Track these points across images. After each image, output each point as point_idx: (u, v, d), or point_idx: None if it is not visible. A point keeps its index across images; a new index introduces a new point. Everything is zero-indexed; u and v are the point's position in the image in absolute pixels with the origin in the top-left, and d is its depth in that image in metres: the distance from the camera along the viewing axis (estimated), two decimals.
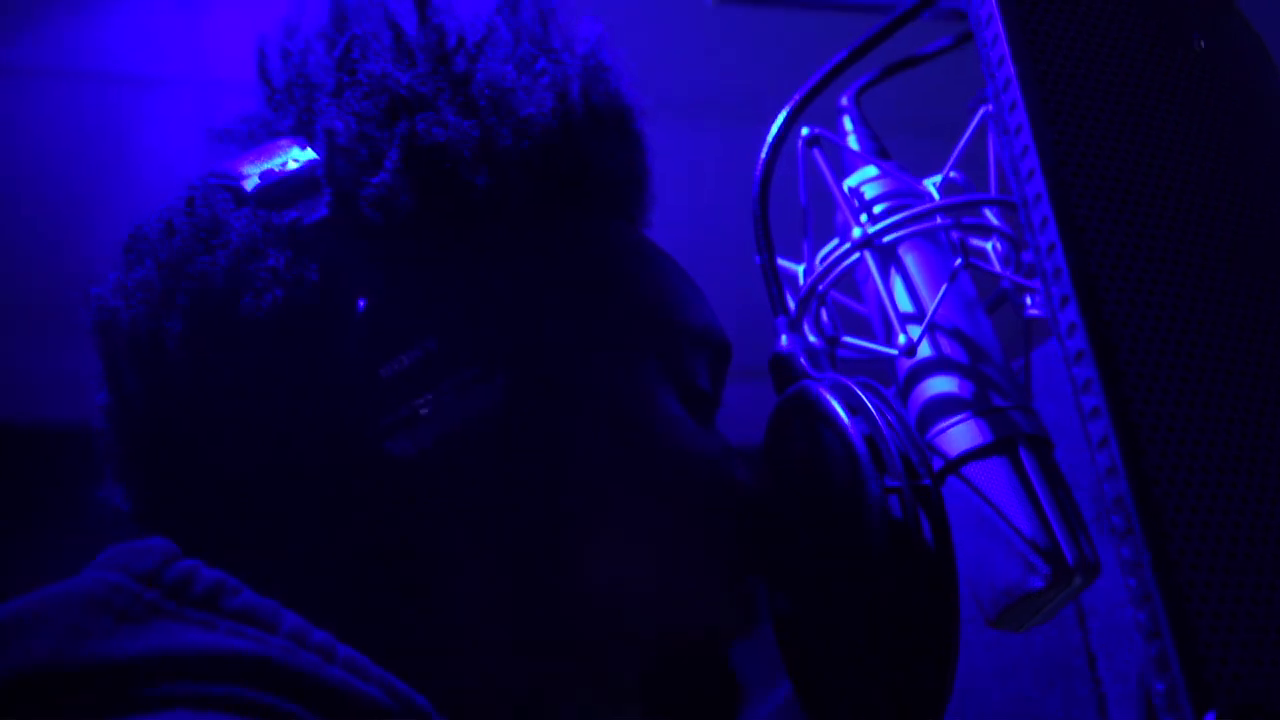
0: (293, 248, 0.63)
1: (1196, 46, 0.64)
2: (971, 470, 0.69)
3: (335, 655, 0.56)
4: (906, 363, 0.72)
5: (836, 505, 0.64)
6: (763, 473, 0.70)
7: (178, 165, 0.72)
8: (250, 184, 0.65)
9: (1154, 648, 0.52)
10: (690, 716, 0.67)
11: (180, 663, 0.53)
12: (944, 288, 0.70)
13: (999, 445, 0.68)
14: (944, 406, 0.70)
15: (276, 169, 0.65)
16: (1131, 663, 0.85)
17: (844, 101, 0.80)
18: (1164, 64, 0.63)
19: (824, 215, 0.78)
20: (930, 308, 0.71)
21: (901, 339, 0.70)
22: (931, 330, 0.71)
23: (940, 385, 0.71)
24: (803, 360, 0.70)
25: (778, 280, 0.73)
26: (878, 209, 0.75)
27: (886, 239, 0.73)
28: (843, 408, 0.65)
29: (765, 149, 0.74)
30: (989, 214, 0.75)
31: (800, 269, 0.77)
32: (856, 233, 0.73)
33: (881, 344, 0.74)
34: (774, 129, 0.74)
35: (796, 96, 0.73)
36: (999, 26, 0.61)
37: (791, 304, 0.75)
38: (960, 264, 0.70)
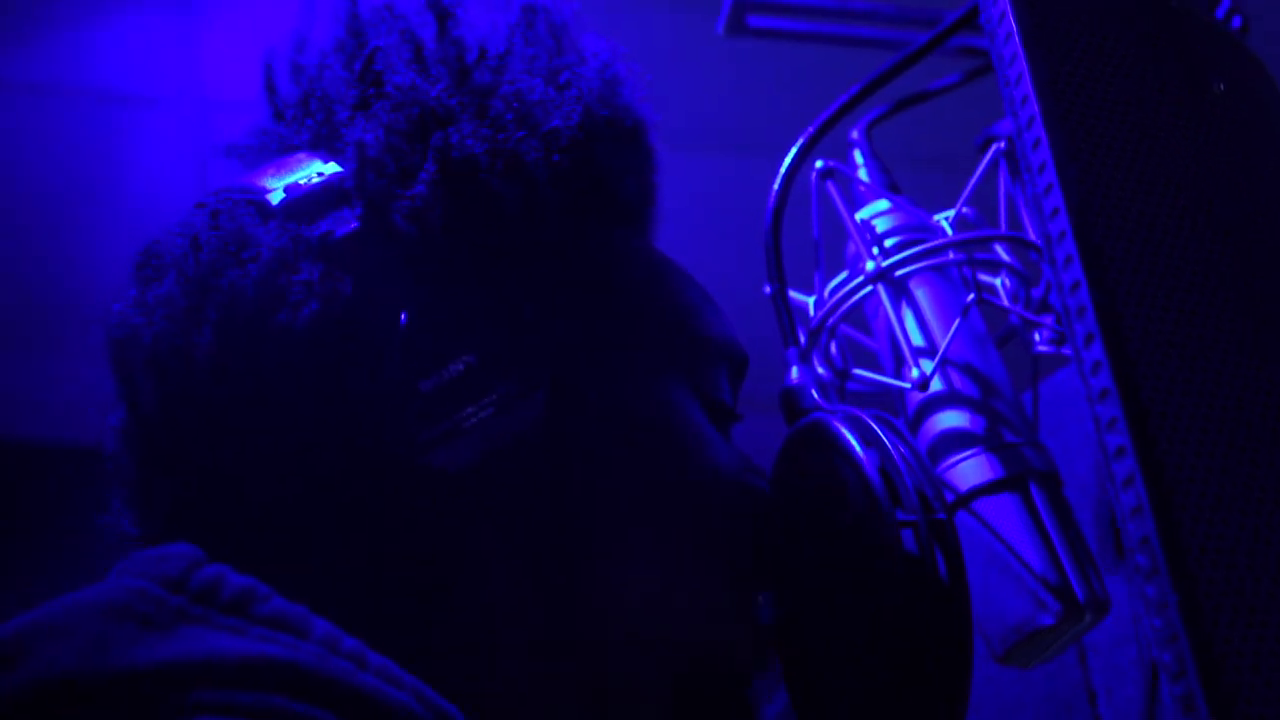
0: (325, 261, 0.62)
1: (1216, 89, 0.64)
2: (982, 505, 0.69)
3: (367, 662, 0.55)
4: (917, 397, 0.72)
5: (850, 538, 0.64)
6: (776, 500, 0.70)
7: (170, 184, 0.71)
8: (275, 197, 0.64)
9: (1180, 687, 0.52)
10: None
11: (209, 669, 0.52)
12: (957, 322, 0.70)
13: (1010, 481, 0.68)
14: (955, 441, 0.70)
15: (301, 182, 0.65)
16: (1133, 700, 0.85)
17: (855, 135, 0.80)
18: (1184, 106, 0.64)
19: (831, 248, 0.78)
20: (943, 342, 0.71)
21: (914, 373, 0.70)
22: (943, 364, 0.71)
23: (951, 420, 0.71)
24: (814, 392, 0.70)
25: (789, 311, 0.73)
26: (889, 242, 0.75)
27: (899, 273, 0.73)
28: (857, 440, 0.65)
29: (778, 180, 0.74)
30: (999, 250, 0.75)
31: (810, 300, 0.77)
32: (869, 266, 0.73)
33: (891, 377, 0.74)
34: (787, 161, 0.74)
35: (810, 129, 0.73)
36: (1023, 65, 0.62)
37: (802, 336, 0.75)
38: (973, 299, 0.70)
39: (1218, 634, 0.52)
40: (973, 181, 0.75)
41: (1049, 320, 0.75)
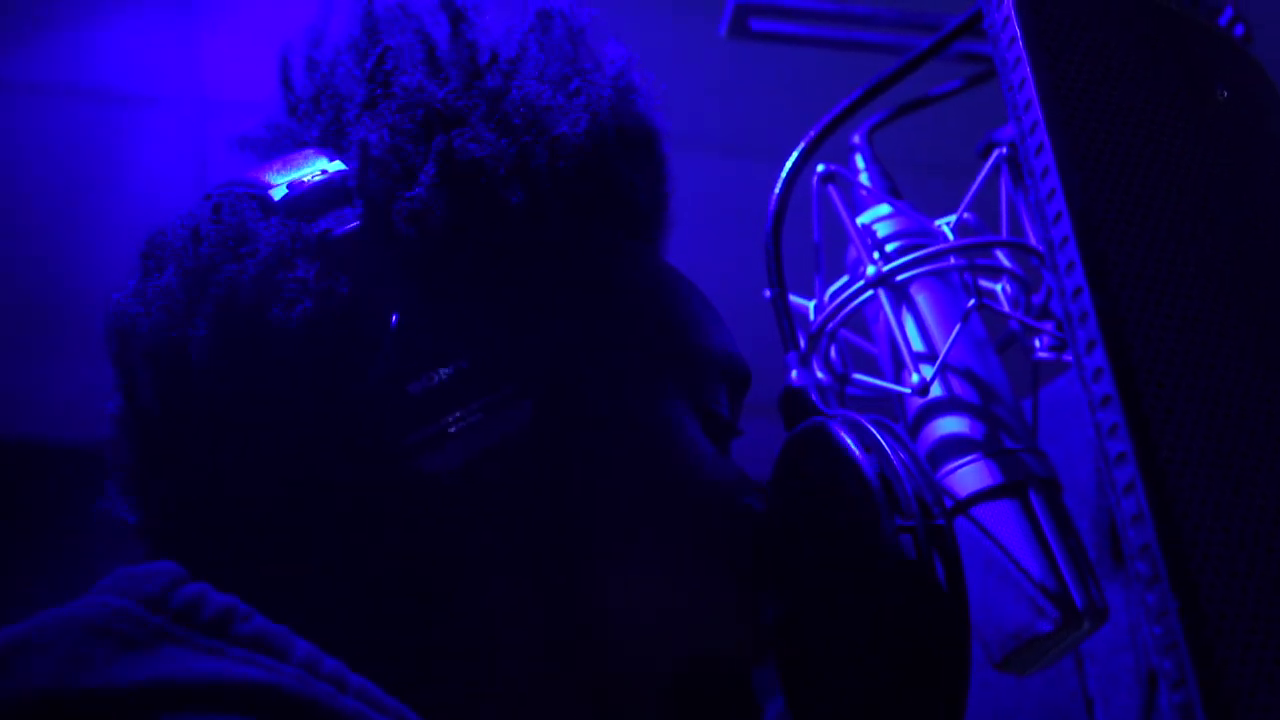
0: (323, 259, 0.61)
1: (1220, 96, 0.64)
2: (981, 511, 0.69)
3: (348, 685, 0.55)
4: (917, 402, 0.71)
5: (849, 542, 0.64)
6: (772, 503, 0.70)
7: (170, 184, 0.71)
8: (278, 193, 0.64)
9: (1179, 695, 0.52)
10: None
11: (186, 691, 0.51)
12: (957, 328, 0.70)
13: (1010, 488, 0.68)
14: (954, 446, 0.70)
15: (305, 179, 0.64)
16: (1129, 708, 0.85)
17: (856, 140, 0.80)
18: (1188, 112, 0.64)
19: (832, 252, 0.77)
20: (943, 347, 0.70)
21: (914, 378, 0.70)
22: (943, 370, 0.71)
23: (951, 425, 0.70)
24: (813, 397, 0.70)
25: (789, 316, 0.72)
26: (890, 247, 0.75)
27: (900, 278, 0.73)
28: (856, 445, 0.64)
29: (779, 184, 0.73)
30: (1000, 256, 0.75)
31: (811, 305, 0.77)
32: (870, 270, 0.73)
33: (891, 383, 0.74)
34: (789, 165, 0.73)
35: (812, 133, 0.73)
36: (1026, 70, 0.61)
37: (802, 340, 0.74)
38: (974, 304, 0.70)
39: (1218, 642, 0.52)
40: (974, 187, 0.74)
41: (1050, 326, 0.75)
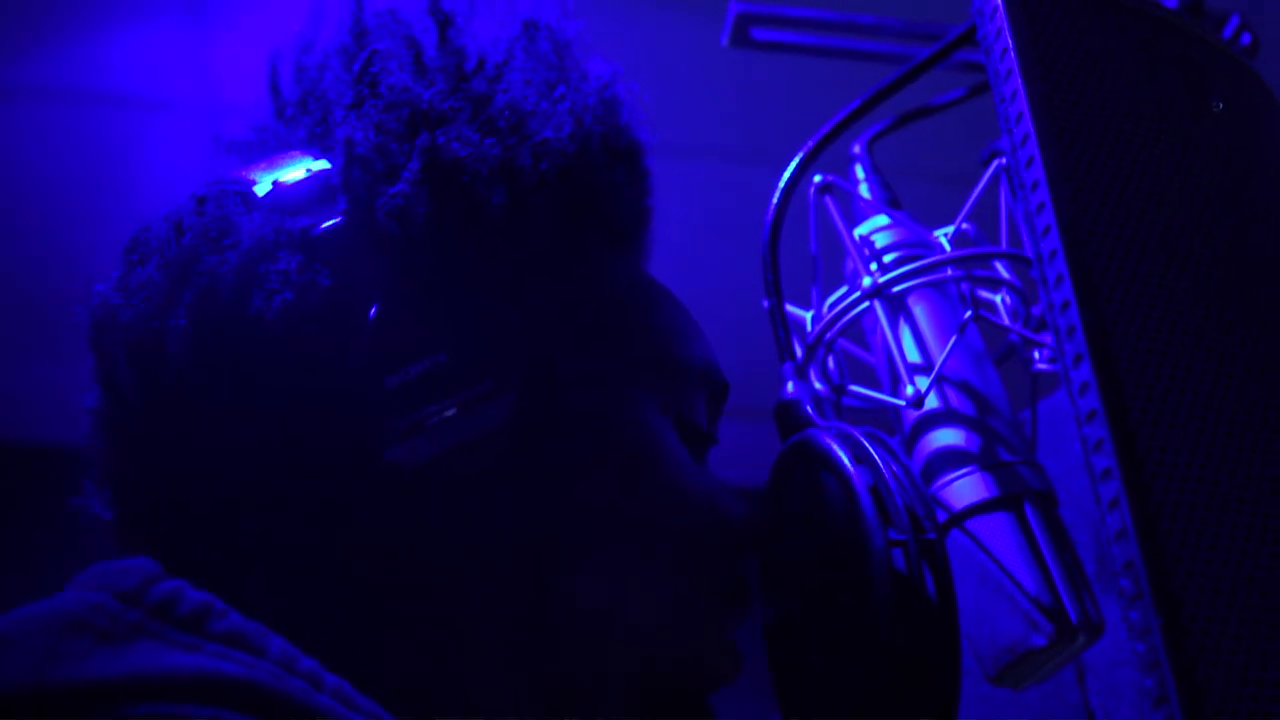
0: (304, 252, 0.62)
1: (1215, 108, 0.63)
2: (976, 524, 0.68)
3: (323, 683, 0.55)
4: (913, 414, 0.71)
5: (840, 555, 0.64)
6: (758, 512, 0.70)
7: (182, 188, 0.72)
8: (262, 189, 0.65)
9: (1162, 713, 0.52)
10: None
11: (162, 685, 0.51)
12: (953, 339, 0.70)
13: (1005, 501, 0.68)
14: (950, 459, 0.70)
15: (290, 177, 0.65)
16: None
17: (856, 150, 0.80)
18: (1182, 124, 0.63)
19: (831, 262, 0.77)
20: (939, 359, 0.70)
21: (909, 390, 0.70)
22: (940, 382, 0.70)
23: (947, 437, 0.70)
24: (808, 408, 0.70)
25: (786, 326, 0.72)
26: (888, 258, 0.75)
27: (896, 289, 0.72)
28: (848, 457, 0.64)
29: (777, 195, 0.73)
30: (999, 267, 0.75)
31: (809, 315, 0.77)
32: (866, 282, 0.72)
33: (888, 394, 0.74)
34: (786, 175, 0.73)
35: (810, 144, 0.73)
36: (1018, 82, 0.61)
37: (799, 351, 0.74)
38: (970, 316, 0.70)
39: (1201, 660, 0.52)
40: (973, 197, 0.74)
41: (1049, 339, 0.75)
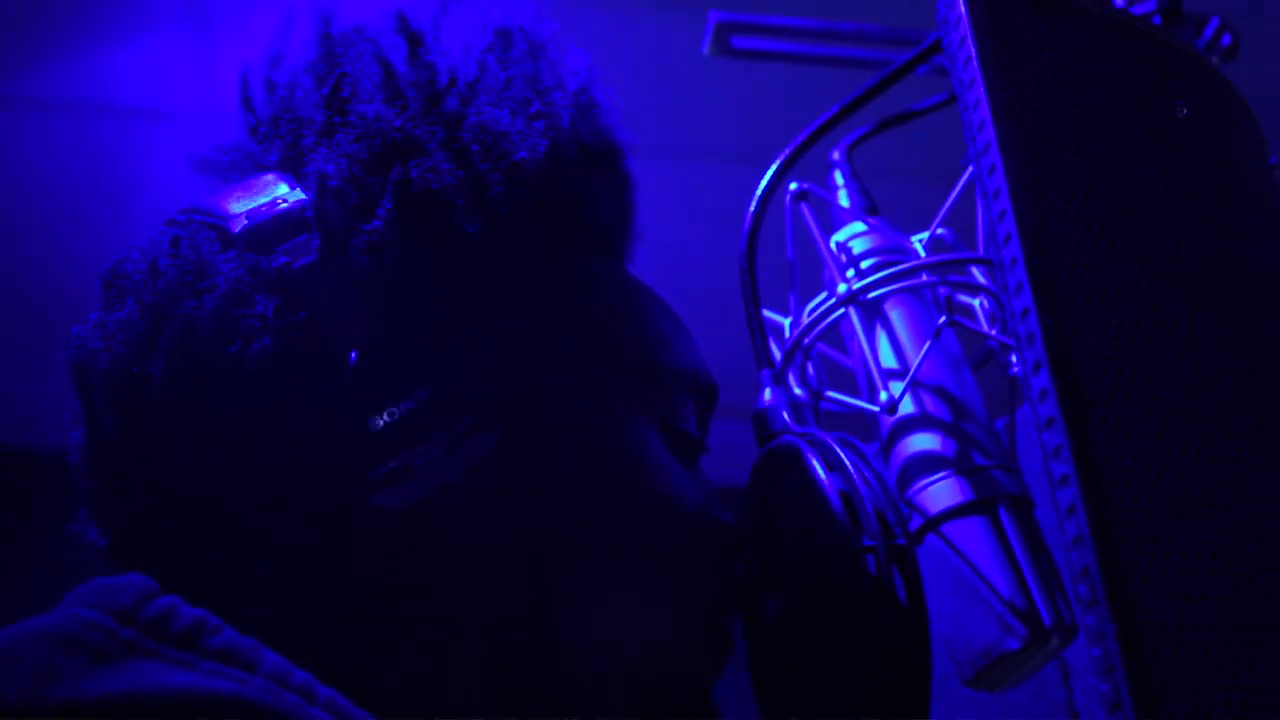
0: (281, 293, 0.62)
1: (1179, 114, 0.64)
2: (951, 529, 0.69)
3: (317, 697, 0.56)
4: (889, 419, 0.72)
5: (813, 561, 0.64)
6: (743, 522, 0.70)
7: (185, 196, 0.72)
8: (238, 225, 0.64)
9: (1116, 718, 0.52)
10: None
11: (157, 703, 0.52)
12: (927, 345, 0.70)
13: (979, 505, 0.68)
14: (925, 464, 0.70)
15: (264, 208, 0.65)
16: None
17: (836, 156, 0.80)
18: (1150, 132, 0.64)
19: (814, 268, 0.78)
20: (914, 364, 0.71)
21: (883, 395, 0.70)
22: (915, 387, 0.71)
23: (922, 442, 0.70)
24: (785, 414, 0.70)
25: (763, 333, 0.73)
26: (865, 264, 0.75)
27: (871, 295, 0.73)
28: (820, 464, 0.65)
29: (754, 202, 0.74)
30: (976, 272, 0.75)
31: (787, 322, 0.77)
32: (842, 288, 0.73)
33: (866, 399, 0.74)
34: (764, 183, 0.74)
35: (786, 151, 0.73)
36: (980, 90, 0.62)
37: (779, 355, 0.75)
38: (944, 322, 0.70)
39: (1156, 666, 0.52)
40: (948, 203, 0.74)
41: None
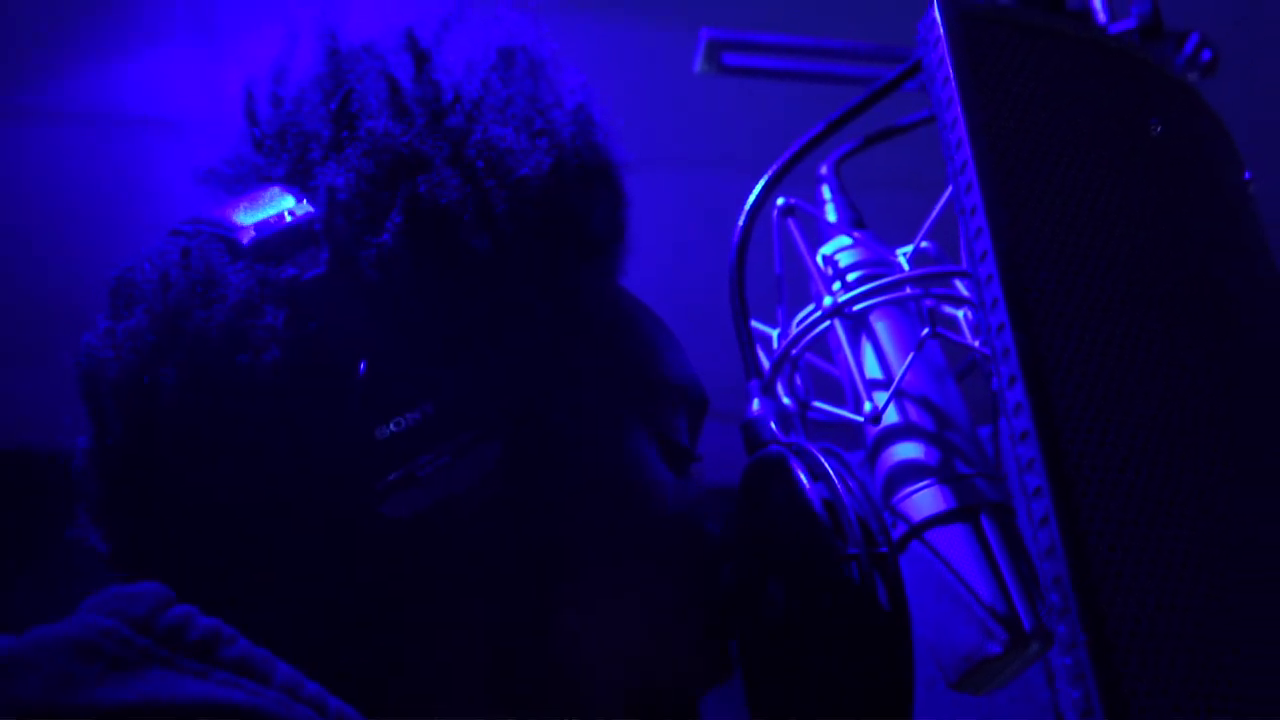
0: (290, 305, 0.63)
1: (1154, 132, 0.65)
2: (934, 535, 0.70)
3: (328, 709, 0.57)
4: (874, 428, 0.73)
5: (798, 568, 0.66)
6: (732, 530, 0.72)
7: (192, 204, 0.73)
8: (246, 236, 0.65)
9: None
10: None
11: (171, 712, 0.53)
12: (910, 356, 0.72)
13: (962, 512, 0.70)
14: (909, 472, 0.72)
15: (273, 220, 0.66)
16: None
17: (823, 170, 0.81)
18: (1126, 150, 0.65)
19: (802, 280, 0.79)
20: (897, 375, 0.72)
21: (868, 406, 0.72)
22: (899, 397, 0.72)
23: (906, 451, 0.72)
24: (773, 424, 0.72)
25: (751, 344, 0.74)
26: (852, 277, 0.76)
27: (857, 308, 0.74)
28: (805, 474, 0.66)
29: (742, 216, 0.75)
30: (959, 285, 0.76)
31: (775, 333, 0.79)
32: (828, 301, 0.74)
33: (852, 409, 0.76)
34: (752, 198, 0.75)
35: (773, 168, 0.75)
36: (957, 110, 0.63)
37: (767, 365, 0.76)
38: (927, 333, 0.72)
39: (1126, 673, 0.54)
40: (931, 217, 0.76)
41: None
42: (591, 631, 0.66)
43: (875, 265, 0.77)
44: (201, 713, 0.53)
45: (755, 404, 0.73)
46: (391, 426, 0.62)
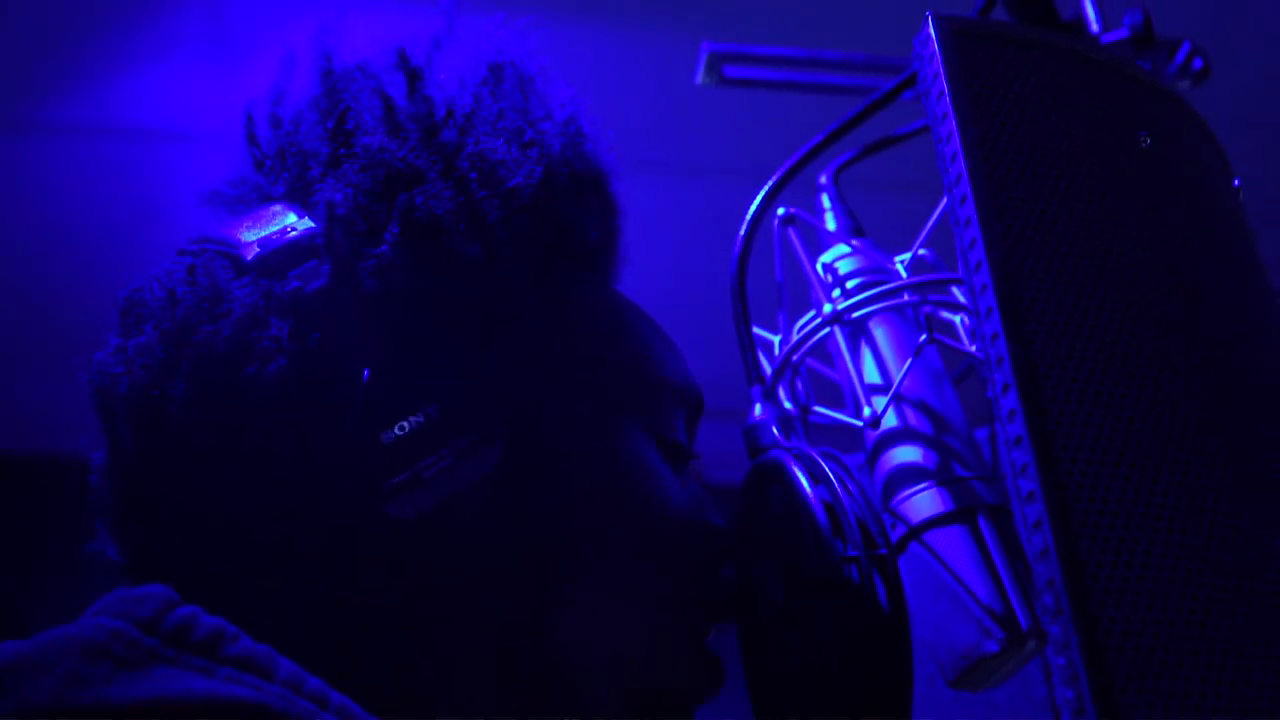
0: (294, 317, 0.65)
1: (1142, 144, 0.67)
2: (932, 537, 0.72)
3: (329, 702, 0.58)
4: (874, 433, 0.75)
5: (799, 571, 0.68)
6: (735, 532, 0.73)
7: (203, 218, 0.75)
8: (250, 253, 0.67)
9: None
10: None
11: (179, 708, 0.55)
12: (909, 362, 0.73)
13: (959, 514, 0.71)
14: (908, 475, 0.73)
15: (275, 236, 0.67)
16: None
17: (823, 180, 0.83)
18: (1119, 163, 0.66)
19: (803, 287, 0.81)
20: (896, 380, 0.74)
21: (866, 411, 0.74)
22: (898, 402, 0.74)
23: (905, 455, 0.74)
24: (774, 428, 0.74)
25: (753, 351, 0.76)
26: (851, 284, 0.78)
27: (856, 314, 0.76)
28: (806, 477, 0.68)
29: (744, 226, 0.77)
30: (956, 291, 0.78)
31: (776, 340, 0.80)
32: (827, 308, 0.76)
33: (852, 413, 0.77)
34: (753, 208, 0.77)
35: (774, 178, 0.76)
36: (952, 124, 0.64)
37: (769, 371, 0.78)
38: (925, 340, 0.73)
39: (1117, 675, 0.55)
40: (928, 225, 0.78)
41: None
42: (591, 626, 0.68)
43: (874, 273, 0.78)
44: (207, 708, 0.55)
45: (757, 409, 0.75)
46: (396, 430, 0.64)
